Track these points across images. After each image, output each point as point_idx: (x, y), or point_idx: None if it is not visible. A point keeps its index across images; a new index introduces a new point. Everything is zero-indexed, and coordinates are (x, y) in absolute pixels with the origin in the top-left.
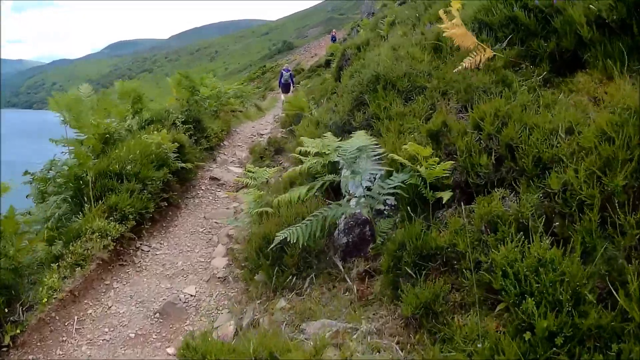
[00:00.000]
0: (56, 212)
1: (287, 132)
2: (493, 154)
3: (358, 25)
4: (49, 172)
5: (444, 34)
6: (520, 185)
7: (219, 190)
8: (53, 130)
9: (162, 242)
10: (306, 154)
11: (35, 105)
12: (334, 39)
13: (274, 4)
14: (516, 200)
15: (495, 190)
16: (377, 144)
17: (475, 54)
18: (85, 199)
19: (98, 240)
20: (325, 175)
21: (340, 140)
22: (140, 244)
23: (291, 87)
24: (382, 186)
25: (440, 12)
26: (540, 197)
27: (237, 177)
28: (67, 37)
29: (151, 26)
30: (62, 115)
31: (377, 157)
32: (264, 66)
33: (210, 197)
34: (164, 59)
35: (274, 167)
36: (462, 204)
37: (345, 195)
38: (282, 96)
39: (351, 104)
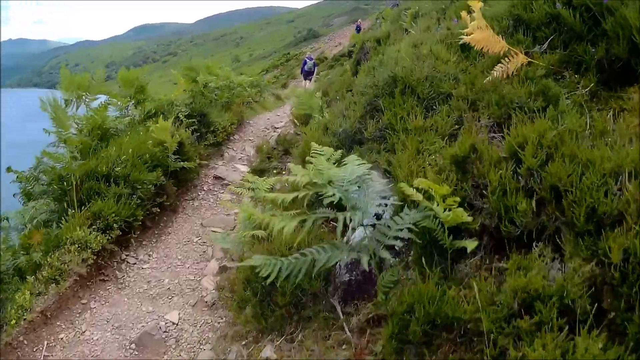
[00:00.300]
0: (36, 217)
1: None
2: (534, 196)
3: (382, 17)
4: (37, 170)
5: (461, 41)
6: (566, 243)
7: (222, 191)
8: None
9: (150, 253)
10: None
11: (58, 85)
12: (358, 29)
13: None
14: (561, 267)
15: (535, 245)
16: (372, 171)
17: (507, 60)
18: (70, 203)
19: (76, 253)
20: (318, 208)
21: (336, 164)
22: (127, 255)
23: (314, 76)
24: (390, 226)
25: (463, 13)
26: (593, 266)
27: (243, 177)
28: (92, 19)
29: (177, 11)
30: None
31: (384, 188)
32: (288, 53)
33: (212, 200)
34: (189, 43)
35: (281, 169)
36: (490, 254)
37: (348, 228)
38: (304, 83)
39: (364, 109)
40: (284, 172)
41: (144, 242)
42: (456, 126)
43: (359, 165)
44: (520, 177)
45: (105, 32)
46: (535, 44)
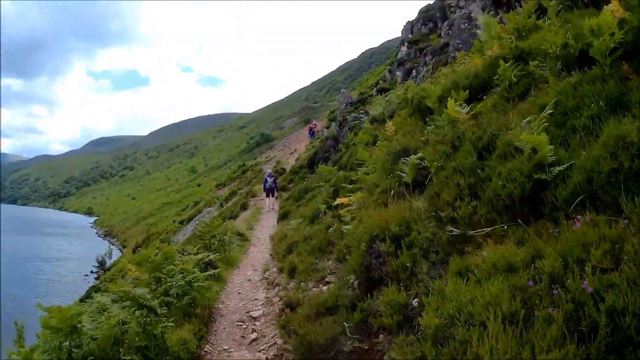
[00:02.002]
0: None
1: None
2: None
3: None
4: None
5: None
6: None
7: None
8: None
9: None
10: None
11: (19, 200)
12: (312, 132)
13: (249, 96)
14: None
15: None
16: None
17: None
18: None
19: None
20: None
21: None
22: None
23: (275, 193)
24: None
25: None
26: None
27: None
28: (48, 132)
29: (130, 124)
30: None
31: None
32: (244, 164)
33: None
34: (144, 156)
35: None
36: None
37: None
38: (267, 200)
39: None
40: None
41: None
42: None
43: None
44: None
45: (62, 145)
46: None
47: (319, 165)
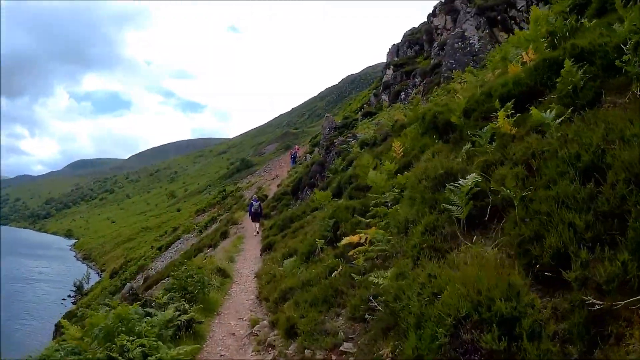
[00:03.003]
0: None
1: None
2: None
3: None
4: None
5: None
6: None
7: None
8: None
9: None
10: None
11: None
12: (294, 158)
13: (230, 122)
14: None
15: None
16: None
17: None
18: None
19: None
20: None
21: None
22: None
23: (261, 218)
24: None
25: None
26: None
27: None
28: (30, 153)
29: (111, 147)
30: None
31: None
32: (224, 190)
33: None
34: (124, 180)
35: None
36: None
37: None
38: (254, 225)
39: None
40: None
41: None
42: None
43: None
44: None
45: (43, 166)
46: None
47: (314, 191)
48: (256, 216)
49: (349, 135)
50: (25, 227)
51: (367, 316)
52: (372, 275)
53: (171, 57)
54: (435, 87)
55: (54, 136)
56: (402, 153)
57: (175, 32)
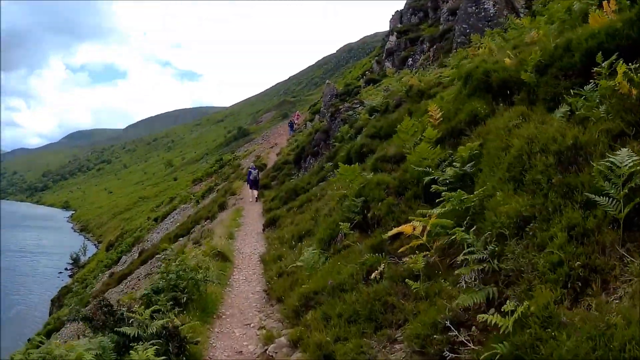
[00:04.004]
0: None
1: None
2: None
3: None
4: None
5: None
6: None
7: None
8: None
9: None
10: None
11: None
12: (292, 126)
13: (227, 90)
14: None
15: None
16: None
17: None
18: None
19: None
20: None
21: None
22: None
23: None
24: None
25: None
26: None
27: None
28: (26, 126)
29: (108, 117)
30: None
31: None
32: (221, 159)
33: None
34: (121, 150)
35: None
36: None
37: None
38: (251, 192)
39: None
40: None
41: None
42: None
43: None
44: None
45: (40, 138)
46: None
47: (340, 165)
48: (255, 183)
49: (355, 101)
50: (23, 200)
51: (446, 354)
52: (462, 296)
53: (167, 27)
54: (444, 53)
55: (50, 108)
56: (440, 119)
57: (170, 2)
